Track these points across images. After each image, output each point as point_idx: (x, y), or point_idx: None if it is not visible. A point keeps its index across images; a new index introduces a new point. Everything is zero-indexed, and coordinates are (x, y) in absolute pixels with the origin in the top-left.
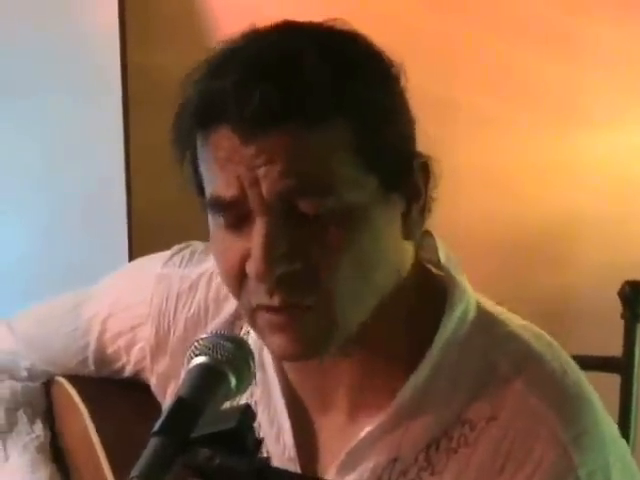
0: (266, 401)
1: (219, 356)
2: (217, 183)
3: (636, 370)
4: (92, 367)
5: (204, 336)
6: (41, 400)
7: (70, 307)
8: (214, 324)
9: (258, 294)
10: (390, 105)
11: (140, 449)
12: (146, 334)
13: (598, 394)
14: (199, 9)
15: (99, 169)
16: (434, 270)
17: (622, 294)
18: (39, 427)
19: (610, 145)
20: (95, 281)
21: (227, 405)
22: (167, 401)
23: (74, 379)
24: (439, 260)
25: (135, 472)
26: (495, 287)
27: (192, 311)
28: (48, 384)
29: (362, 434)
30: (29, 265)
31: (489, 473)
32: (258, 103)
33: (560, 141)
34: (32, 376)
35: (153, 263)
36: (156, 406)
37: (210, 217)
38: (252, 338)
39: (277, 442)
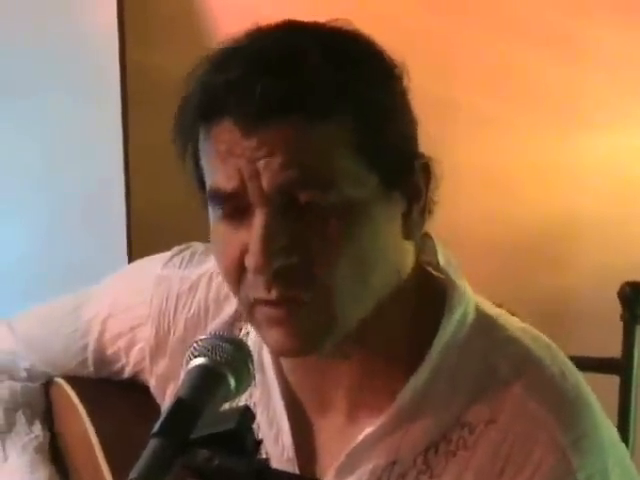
0: (265, 402)
1: (218, 358)
2: (218, 175)
3: (635, 371)
4: (91, 368)
5: (203, 337)
6: (40, 401)
7: (70, 308)
8: (214, 325)
9: (256, 288)
10: (392, 104)
11: (139, 450)
12: (146, 335)
13: (597, 395)
14: (198, 9)
15: (98, 169)
16: (434, 273)
17: (621, 295)
18: (38, 428)
19: (610, 147)
20: (94, 281)
21: (226, 406)
22: (166, 402)
23: (73, 380)
24: (438, 263)
25: (134, 473)
26: (495, 288)
27: (192, 312)
28: (47, 385)
29: (361, 436)
30: (28, 265)
31: (488, 476)
32: (260, 96)
33: (560, 142)
34: (31, 377)
35: (153, 264)
36: (155, 407)
37: (210, 211)
38: (251, 339)
39: (276, 443)
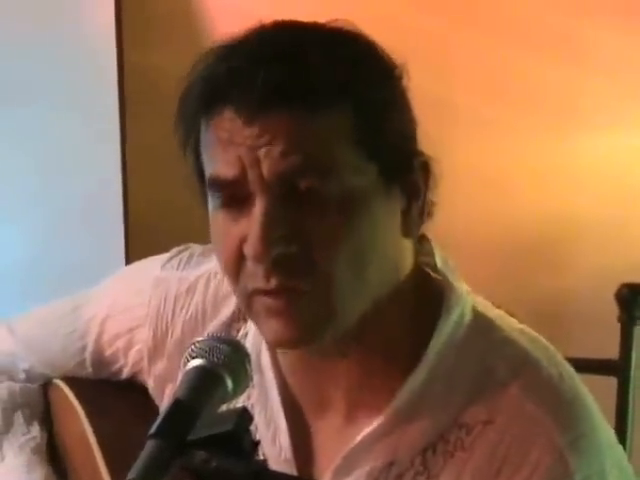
0: (263, 403)
1: (215, 359)
2: (218, 164)
3: (633, 373)
4: (90, 369)
5: (201, 339)
6: (39, 401)
7: (69, 309)
8: (212, 326)
9: (255, 277)
10: (392, 101)
11: (138, 451)
12: (144, 336)
13: (595, 397)
14: (195, 9)
15: (96, 170)
16: (432, 274)
17: (619, 296)
18: (36, 428)
19: (609, 148)
20: (92, 282)
21: (224, 408)
22: (165, 403)
23: (72, 381)
24: (436, 265)
25: (132, 474)
26: (493, 289)
27: (190, 313)
28: (46, 385)
29: (359, 437)
30: (27, 266)
31: (485, 477)
32: (262, 84)
33: (559, 144)
34: (30, 378)
35: (151, 265)
36: (154, 408)
37: (210, 201)
38: (249, 340)
39: (273, 444)
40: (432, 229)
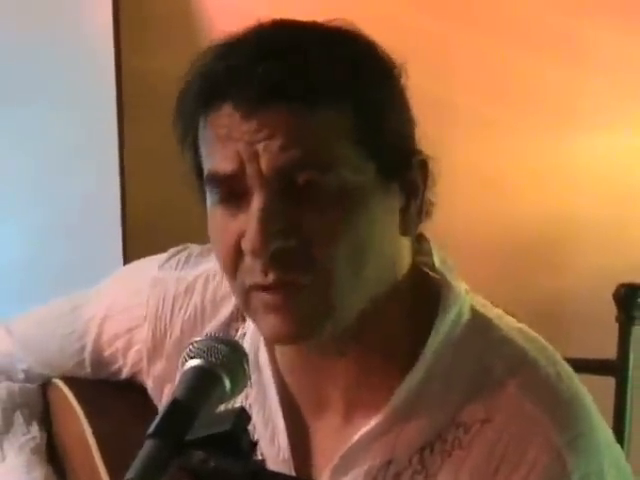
0: (261, 402)
1: (214, 359)
2: (216, 159)
3: (630, 373)
4: (89, 369)
5: (199, 339)
6: (38, 401)
7: (67, 310)
8: (210, 327)
9: (253, 273)
10: (391, 99)
11: (136, 451)
12: (142, 336)
13: (593, 397)
14: (194, 11)
15: (94, 172)
16: (430, 273)
17: (617, 297)
18: (35, 428)
19: (608, 149)
20: (90, 283)
21: (222, 408)
22: (163, 403)
23: (70, 381)
24: (434, 264)
25: (130, 474)
26: (492, 289)
27: (188, 314)
28: (45, 385)
29: (356, 437)
30: (25, 266)
31: (483, 476)
32: (260, 80)
33: (558, 144)
34: (29, 379)
35: (150, 266)
36: (152, 408)
37: (208, 197)
38: (247, 340)
39: (272, 443)
40: (432, 229)
